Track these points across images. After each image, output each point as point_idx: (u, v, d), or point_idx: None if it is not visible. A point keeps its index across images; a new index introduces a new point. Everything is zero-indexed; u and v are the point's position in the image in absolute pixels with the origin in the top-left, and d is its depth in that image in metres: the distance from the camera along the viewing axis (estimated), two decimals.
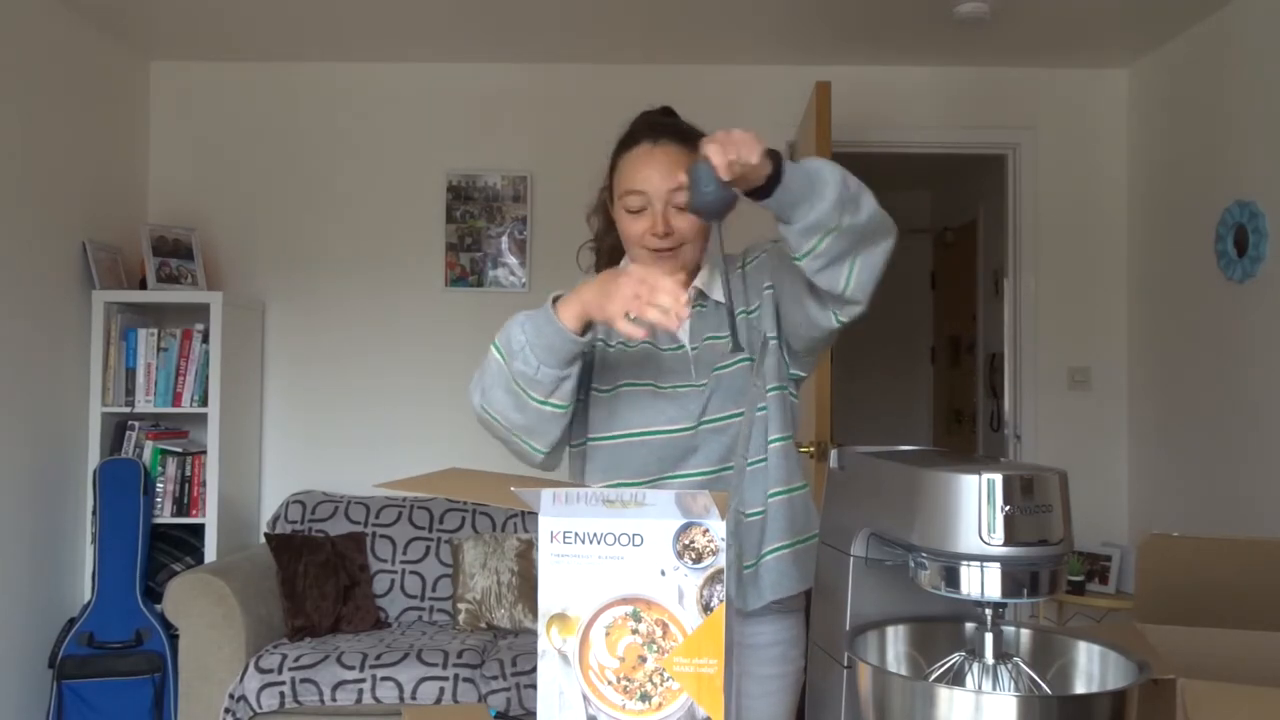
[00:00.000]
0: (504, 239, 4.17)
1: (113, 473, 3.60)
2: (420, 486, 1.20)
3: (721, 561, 1.01)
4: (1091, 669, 1.08)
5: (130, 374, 3.76)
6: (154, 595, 3.53)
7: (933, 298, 6.70)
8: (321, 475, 4.11)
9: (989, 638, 1.06)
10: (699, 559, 1.01)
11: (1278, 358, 3.24)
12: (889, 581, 1.18)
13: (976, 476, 0.98)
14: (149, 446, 3.75)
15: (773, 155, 1.25)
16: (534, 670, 1.06)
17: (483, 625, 3.61)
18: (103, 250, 3.75)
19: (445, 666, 3.18)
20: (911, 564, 1.07)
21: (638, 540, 1.02)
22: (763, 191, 1.27)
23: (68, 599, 3.62)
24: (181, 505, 3.76)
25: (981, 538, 0.98)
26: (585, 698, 1.03)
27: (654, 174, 1.49)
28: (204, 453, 3.77)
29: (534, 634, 1.06)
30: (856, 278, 1.35)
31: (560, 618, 1.03)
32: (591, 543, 1.03)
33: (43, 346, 3.49)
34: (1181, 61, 3.82)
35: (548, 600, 1.04)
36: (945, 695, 0.94)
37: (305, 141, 4.19)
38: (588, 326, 1.34)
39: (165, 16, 3.71)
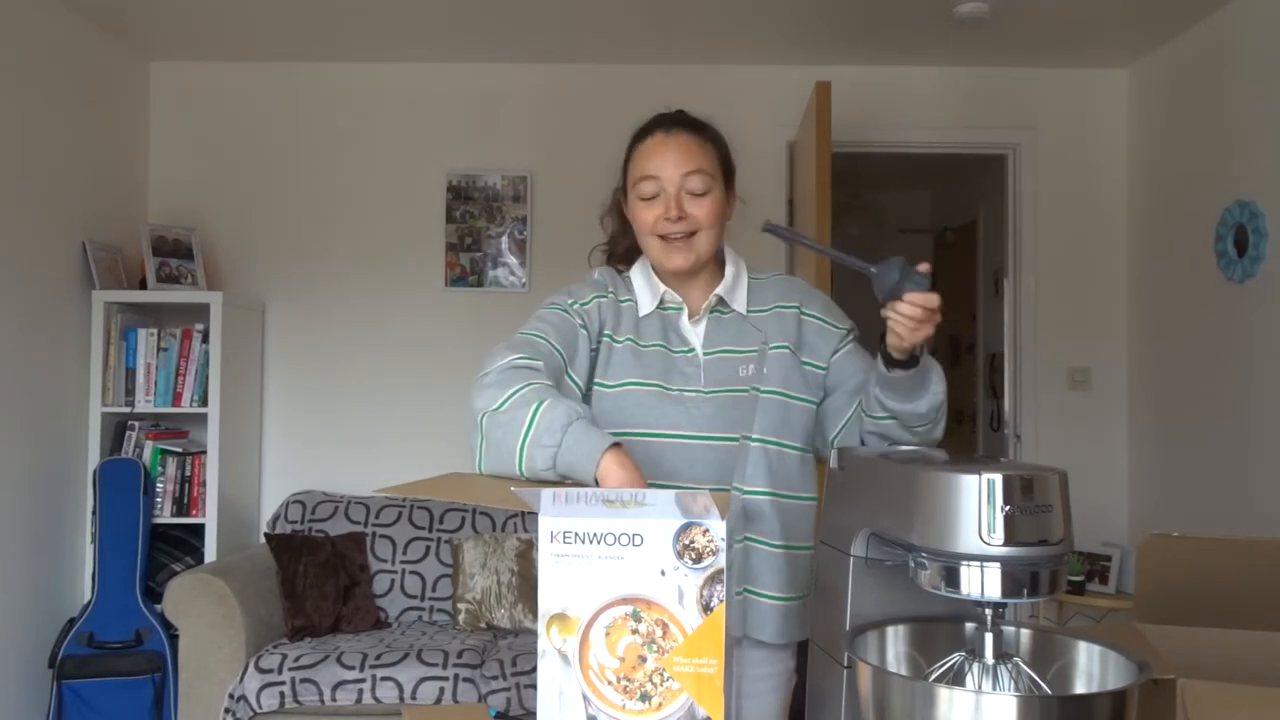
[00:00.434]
0: (504, 239, 4.17)
1: (113, 473, 3.60)
2: (421, 490, 1.21)
3: (721, 561, 1.01)
4: (1091, 669, 1.08)
5: (130, 374, 3.76)
6: (154, 595, 3.53)
7: None
8: (321, 475, 4.11)
9: (989, 638, 1.06)
10: (699, 559, 1.01)
11: (1278, 358, 3.24)
12: (889, 581, 1.18)
13: (976, 476, 0.98)
14: (149, 446, 3.75)
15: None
16: (534, 670, 1.06)
17: (483, 625, 3.61)
18: (103, 250, 3.76)
19: (445, 666, 3.18)
20: (911, 564, 1.07)
21: (638, 540, 1.02)
22: (897, 364, 1.38)
23: (68, 599, 3.62)
24: (181, 505, 3.76)
25: (981, 538, 0.98)
26: (585, 698, 1.03)
27: (667, 160, 1.49)
28: (204, 453, 3.77)
29: (534, 634, 1.06)
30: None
31: (560, 618, 1.03)
32: (591, 543, 1.03)
33: (43, 346, 3.49)
34: (1181, 61, 3.82)
35: (548, 600, 1.04)
36: (945, 695, 0.94)
37: (305, 141, 4.19)
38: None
39: (165, 16, 3.71)
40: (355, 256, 4.17)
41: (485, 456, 1.30)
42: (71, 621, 3.51)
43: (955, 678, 1.08)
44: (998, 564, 0.99)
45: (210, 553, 3.72)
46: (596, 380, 1.52)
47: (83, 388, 3.69)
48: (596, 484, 1.20)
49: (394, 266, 4.17)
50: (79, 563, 3.67)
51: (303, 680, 3.15)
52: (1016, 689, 1.05)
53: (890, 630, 1.17)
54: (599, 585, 1.02)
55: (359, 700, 3.14)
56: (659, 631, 1.01)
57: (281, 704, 3.14)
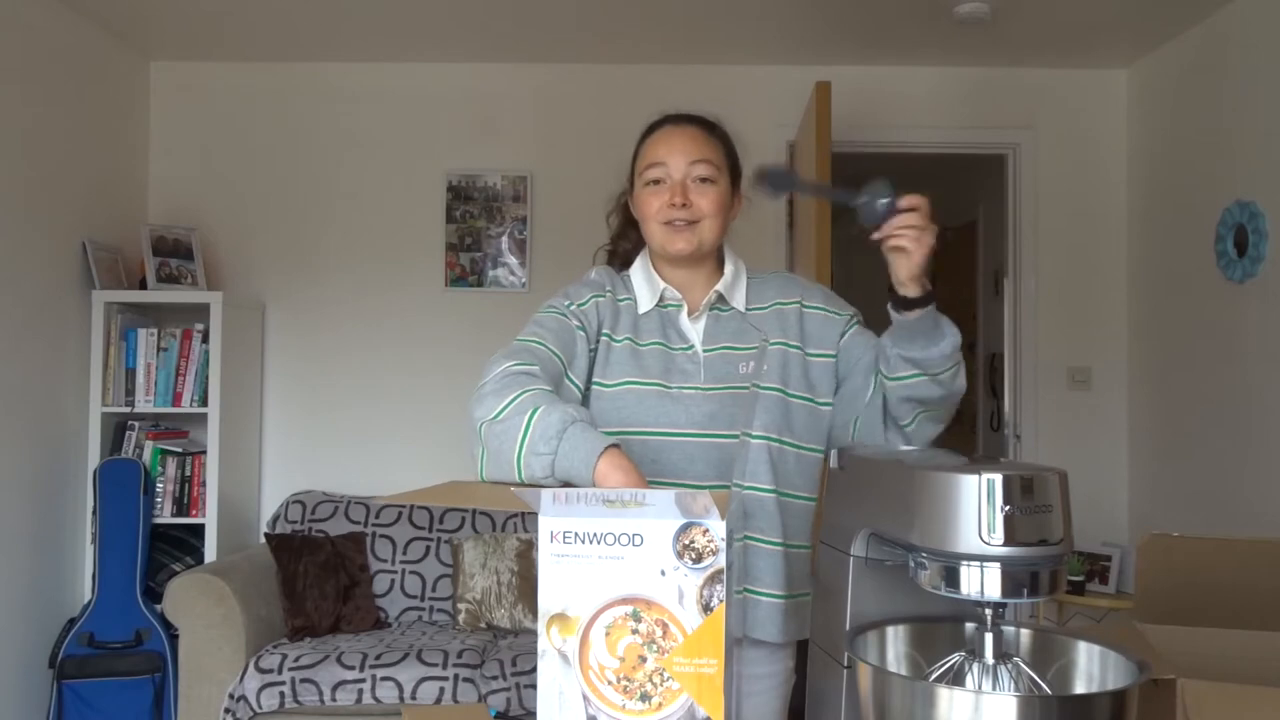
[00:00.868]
0: (504, 239, 4.17)
1: (113, 473, 3.60)
2: (423, 498, 1.21)
3: (721, 561, 1.01)
4: (1091, 669, 1.08)
5: (130, 374, 3.76)
6: (154, 595, 3.53)
7: None
8: (321, 475, 4.12)
9: (989, 638, 1.06)
10: (699, 559, 1.01)
11: (1277, 358, 3.24)
12: (889, 581, 1.18)
13: (976, 476, 0.98)
14: (149, 446, 3.75)
15: (927, 292, 1.39)
16: (534, 670, 1.06)
17: (483, 625, 3.61)
18: (103, 250, 3.76)
19: (445, 666, 3.18)
20: (911, 564, 1.07)
21: (638, 540, 1.02)
22: (907, 305, 1.39)
23: (68, 599, 3.62)
24: (181, 505, 3.76)
25: (981, 538, 0.98)
26: (585, 698, 1.03)
27: (674, 147, 1.51)
28: (204, 453, 3.77)
29: (534, 634, 1.06)
30: (918, 427, 1.49)
31: (560, 618, 1.03)
32: (591, 543, 1.03)
33: (43, 346, 3.49)
34: (1181, 61, 3.82)
35: (548, 600, 1.04)
36: (945, 695, 0.94)
37: (305, 141, 4.19)
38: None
39: (165, 16, 3.71)
40: (355, 256, 4.17)
41: (486, 466, 1.30)
42: (71, 621, 3.51)
43: (955, 678, 1.08)
44: (998, 564, 0.99)
45: (210, 553, 3.72)
46: (595, 379, 1.51)
47: (83, 388, 3.69)
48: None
49: (394, 266, 4.17)
50: (79, 563, 3.67)
51: (303, 680, 3.15)
52: (1016, 689, 1.05)
53: (890, 630, 1.17)
54: (599, 585, 1.02)
55: (359, 700, 3.14)
56: (659, 631, 1.01)
57: (281, 704, 3.14)
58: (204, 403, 3.77)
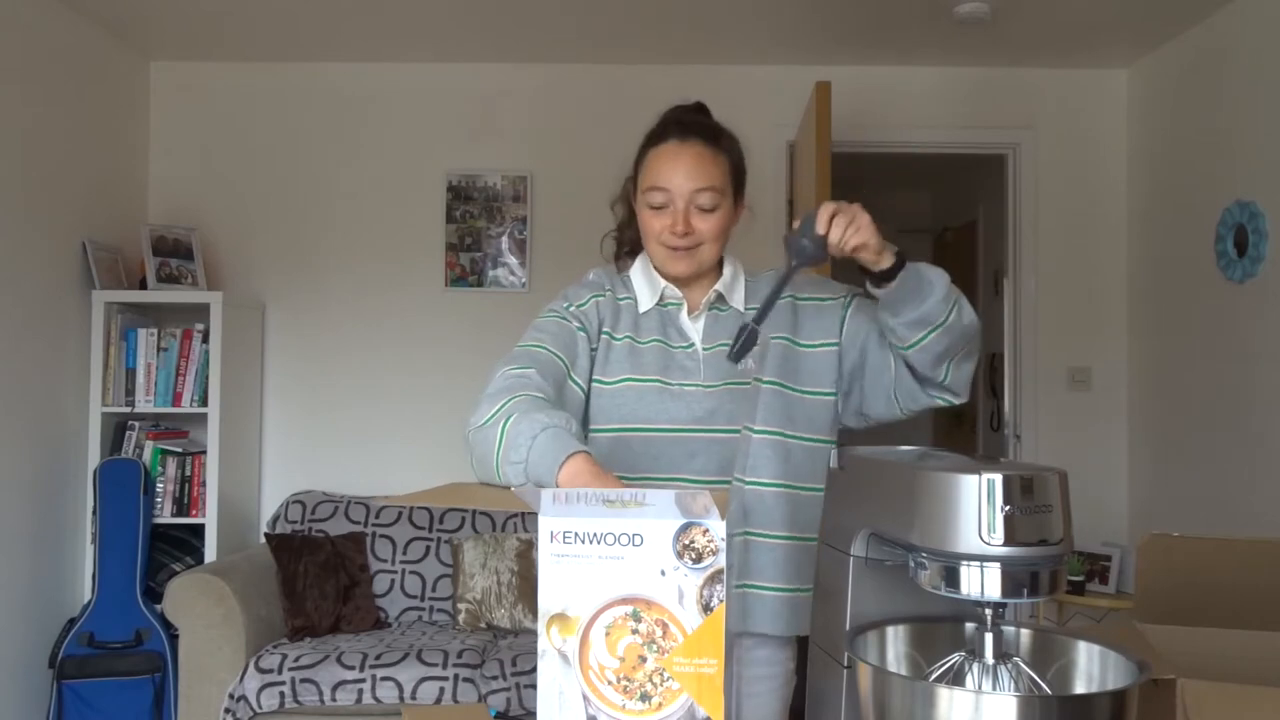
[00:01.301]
0: (504, 239, 4.17)
1: (113, 473, 3.60)
2: (423, 499, 1.22)
3: (721, 561, 1.01)
4: (1091, 669, 1.08)
5: (130, 374, 3.76)
6: (154, 595, 3.53)
7: None
8: (321, 475, 4.12)
9: (989, 638, 1.06)
10: (699, 559, 1.01)
11: (1277, 358, 3.24)
12: (889, 581, 1.18)
13: (976, 476, 0.98)
14: (149, 446, 3.75)
15: (898, 254, 1.39)
16: (534, 670, 1.06)
17: (483, 625, 3.61)
18: (103, 250, 3.76)
19: (445, 666, 3.18)
20: (911, 564, 1.07)
21: (638, 540, 1.02)
22: (882, 278, 1.40)
23: (68, 599, 3.62)
24: (181, 505, 3.76)
25: (981, 538, 0.98)
26: (585, 698, 1.03)
27: (678, 173, 1.49)
28: (204, 453, 3.77)
29: (534, 634, 1.06)
30: (954, 374, 1.49)
31: (560, 618, 1.03)
32: (591, 543, 1.03)
33: (43, 346, 3.49)
34: (1181, 61, 3.82)
35: (548, 600, 1.04)
36: (945, 695, 0.94)
37: (305, 141, 4.19)
38: None
39: (165, 16, 3.71)
40: (355, 256, 4.17)
41: (476, 471, 1.34)
42: (71, 621, 3.51)
43: (955, 678, 1.08)
44: (998, 564, 0.99)
45: (210, 553, 3.72)
46: (595, 377, 1.53)
47: (83, 388, 3.69)
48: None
49: (394, 266, 4.17)
50: (79, 563, 3.67)
51: (303, 680, 3.15)
52: (1016, 689, 1.05)
53: (890, 630, 1.17)
54: (599, 585, 1.02)
55: (359, 700, 3.14)
56: (659, 631, 1.01)
57: (281, 704, 3.14)
58: (204, 403, 3.77)
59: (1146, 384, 4.07)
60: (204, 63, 4.17)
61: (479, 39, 3.91)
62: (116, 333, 3.75)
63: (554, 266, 4.12)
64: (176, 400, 3.78)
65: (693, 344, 1.54)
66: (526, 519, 3.80)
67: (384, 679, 3.15)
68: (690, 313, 1.56)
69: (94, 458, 3.68)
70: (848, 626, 1.18)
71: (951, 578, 1.01)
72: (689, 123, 1.54)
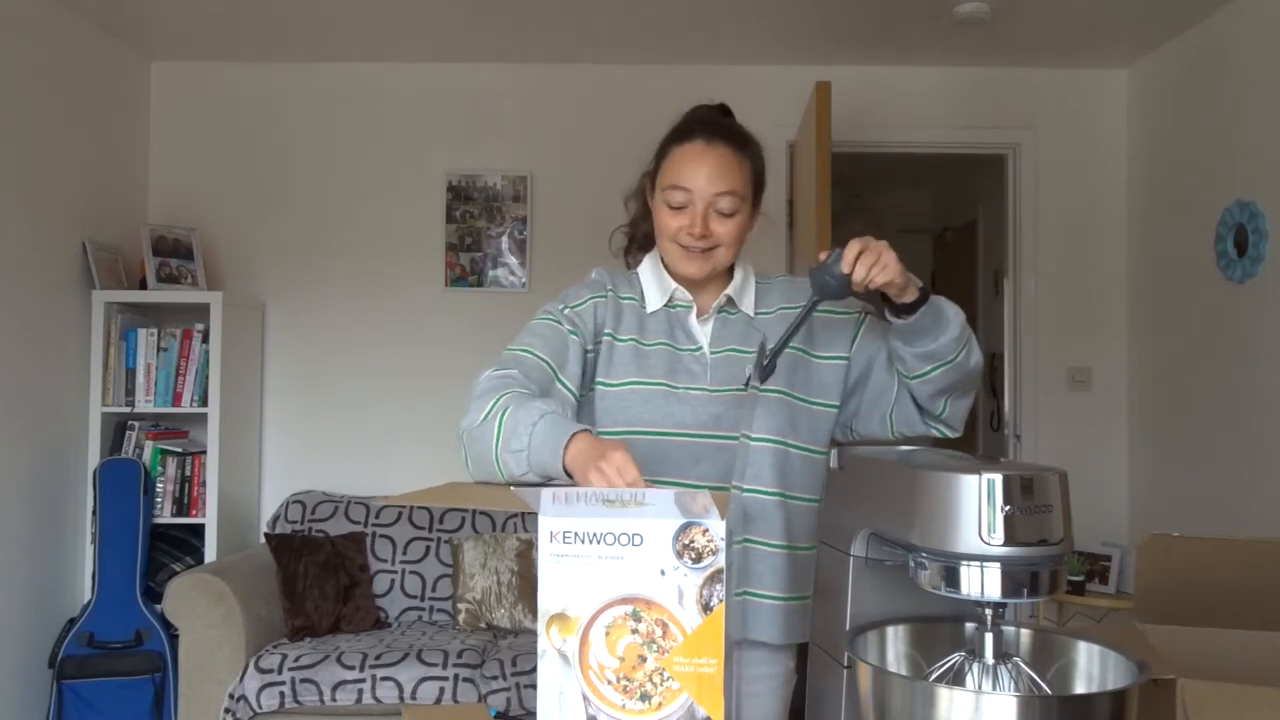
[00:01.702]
0: (504, 239, 4.17)
1: (113, 473, 3.60)
2: (423, 499, 1.22)
3: (721, 561, 1.01)
4: (1091, 669, 1.08)
5: (130, 374, 3.76)
6: (154, 595, 3.53)
7: None
8: (321, 475, 4.11)
9: (989, 638, 1.06)
10: (699, 559, 1.01)
11: (1277, 357, 3.24)
12: (889, 581, 1.18)
13: (976, 476, 0.98)
14: (149, 446, 3.75)
15: (921, 289, 1.41)
16: (534, 670, 1.06)
17: (483, 625, 3.61)
18: (103, 250, 3.75)
19: (445, 666, 3.18)
20: (911, 564, 1.07)
21: (637, 540, 1.02)
22: (904, 310, 1.40)
23: (68, 599, 3.62)
24: (181, 505, 3.76)
25: (981, 538, 0.98)
26: (585, 698, 1.03)
27: (702, 174, 1.47)
28: (204, 453, 3.77)
29: (534, 634, 1.06)
30: (951, 409, 1.53)
31: (560, 618, 1.03)
32: (591, 543, 1.03)
33: (43, 346, 3.49)
34: (1181, 61, 3.82)
35: (548, 600, 1.04)
36: (945, 695, 0.94)
37: (305, 141, 4.19)
38: None
39: (165, 16, 3.71)
40: (355, 256, 4.17)
41: (473, 471, 1.33)
42: (71, 621, 3.51)
43: (955, 678, 1.08)
44: (998, 564, 0.99)
45: (210, 553, 3.72)
46: (599, 379, 1.52)
47: (83, 388, 3.69)
48: (569, 476, 1.19)
49: (394, 266, 4.17)
50: (79, 563, 3.67)
51: (303, 680, 3.15)
52: (1016, 689, 1.05)
53: (890, 630, 1.17)
54: (599, 585, 1.02)
55: (359, 700, 3.14)
56: (659, 631, 1.01)
57: (281, 704, 3.14)
58: (204, 403, 3.77)
59: (1146, 384, 4.07)
60: (204, 63, 4.17)
61: (479, 39, 3.91)
62: (116, 333, 3.75)
63: (554, 266, 4.12)
64: (176, 400, 3.78)
65: (700, 347, 1.53)
66: (526, 519, 3.80)
67: (384, 679, 3.15)
68: (699, 316, 1.55)
69: (94, 458, 3.68)
70: (848, 626, 1.18)
71: (951, 578, 1.01)
72: (716, 124, 1.53)
